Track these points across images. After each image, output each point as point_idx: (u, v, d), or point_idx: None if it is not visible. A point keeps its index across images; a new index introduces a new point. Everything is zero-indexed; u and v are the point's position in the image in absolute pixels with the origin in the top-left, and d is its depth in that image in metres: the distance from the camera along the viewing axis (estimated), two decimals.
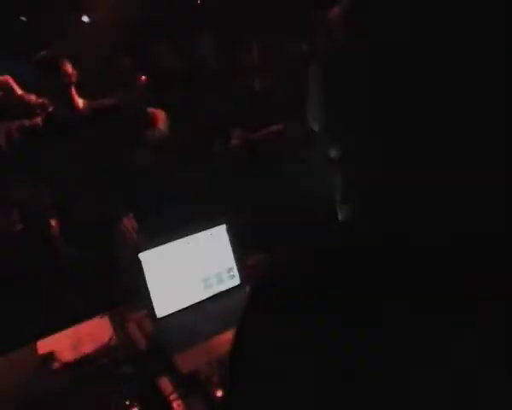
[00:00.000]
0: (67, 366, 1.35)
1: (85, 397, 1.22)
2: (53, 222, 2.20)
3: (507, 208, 0.39)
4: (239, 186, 2.49)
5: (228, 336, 1.27)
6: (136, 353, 1.37)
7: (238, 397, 0.47)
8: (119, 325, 1.51)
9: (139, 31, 3.50)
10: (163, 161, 2.72)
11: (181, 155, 2.84)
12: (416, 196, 0.41)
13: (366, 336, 0.39)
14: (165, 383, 1.21)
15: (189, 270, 1.50)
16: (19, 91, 2.30)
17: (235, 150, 2.41)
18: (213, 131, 2.74)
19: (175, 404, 1.14)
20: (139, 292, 1.45)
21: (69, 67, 2.06)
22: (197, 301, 1.49)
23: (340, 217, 0.49)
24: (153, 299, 1.44)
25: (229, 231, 1.56)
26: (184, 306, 1.47)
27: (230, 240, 1.55)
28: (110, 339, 1.44)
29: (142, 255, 1.44)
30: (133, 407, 1.16)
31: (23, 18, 3.74)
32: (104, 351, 1.39)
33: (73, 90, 2.11)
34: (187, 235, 1.51)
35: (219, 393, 1.12)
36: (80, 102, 2.14)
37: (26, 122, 2.13)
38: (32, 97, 2.28)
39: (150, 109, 2.86)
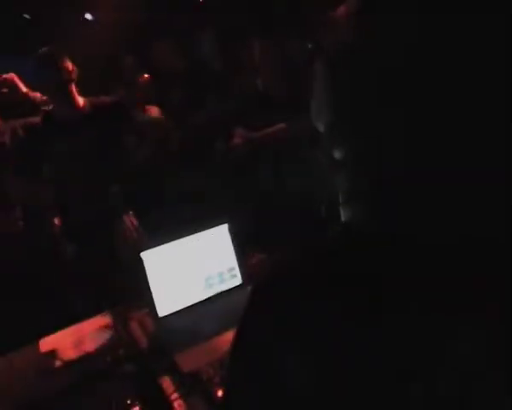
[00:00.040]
0: (69, 364, 1.36)
1: (87, 396, 1.23)
2: (54, 221, 2.20)
3: None
4: (241, 186, 2.49)
5: (229, 336, 1.26)
6: (138, 352, 1.37)
7: (238, 397, 0.47)
8: (121, 324, 1.51)
9: (142, 29, 3.50)
10: (165, 160, 2.72)
11: (183, 154, 2.84)
12: (425, 197, 0.41)
13: (366, 336, 0.39)
14: (167, 383, 1.21)
15: (191, 269, 1.49)
16: (24, 89, 2.30)
17: (237, 149, 2.40)
18: (215, 130, 2.74)
19: (176, 403, 1.14)
20: (141, 291, 1.45)
21: (69, 64, 2.04)
22: (199, 300, 1.49)
23: (343, 218, 0.49)
24: (154, 298, 1.43)
25: (230, 230, 1.56)
26: (186, 305, 1.47)
27: (232, 239, 1.55)
28: (112, 338, 1.44)
29: (144, 254, 1.44)
30: (134, 405, 1.16)
31: (26, 16, 3.74)
32: (106, 350, 1.39)
33: (73, 87, 2.09)
34: (189, 234, 1.51)
35: (220, 393, 1.12)
36: (81, 100, 2.13)
37: (31, 120, 2.12)
38: (37, 95, 2.28)
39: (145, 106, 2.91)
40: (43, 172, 2.11)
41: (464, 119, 0.38)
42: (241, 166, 2.51)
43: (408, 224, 0.42)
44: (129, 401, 1.16)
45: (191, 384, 1.18)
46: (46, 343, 1.46)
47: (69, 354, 1.39)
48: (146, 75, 3.09)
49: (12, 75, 2.28)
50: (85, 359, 1.36)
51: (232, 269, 1.55)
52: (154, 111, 2.96)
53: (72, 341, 1.45)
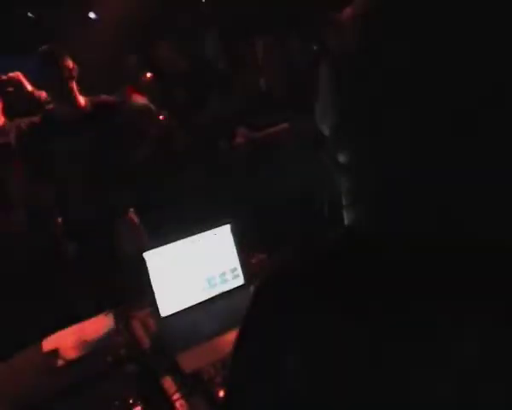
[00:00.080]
0: (71, 364, 1.36)
1: (88, 395, 1.23)
2: (55, 221, 2.20)
3: None
4: (243, 186, 2.49)
5: (231, 337, 1.26)
6: (140, 352, 1.37)
7: (239, 397, 0.47)
8: (122, 324, 1.51)
9: (145, 28, 3.50)
10: (167, 160, 2.72)
11: (185, 154, 2.84)
12: (431, 198, 0.41)
13: (367, 337, 0.39)
14: (169, 383, 1.21)
15: (194, 269, 1.49)
16: (29, 88, 2.30)
17: (240, 149, 2.40)
18: (218, 129, 2.74)
19: (178, 404, 1.14)
20: (143, 291, 1.45)
21: (70, 62, 2.03)
22: (201, 300, 1.49)
23: (346, 221, 0.49)
24: (157, 298, 1.43)
25: (233, 230, 1.55)
26: (188, 305, 1.47)
27: (235, 240, 1.55)
28: (114, 338, 1.44)
29: (146, 254, 1.44)
30: (136, 405, 1.16)
31: (30, 14, 3.75)
32: (108, 349, 1.39)
33: (74, 85, 2.07)
34: (191, 234, 1.51)
35: (222, 393, 1.12)
36: (82, 99, 2.12)
37: (35, 119, 2.12)
38: (43, 94, 2.28)
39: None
40: (43, 171, 2.11)
41: (471, 118, 0.38)
42: (244, 167, 2.51)
43: (413, 225, 0.42)
44: (131, 401, 1.16)
45: (193, 385, 1.18)
46: (47, 343, 1.46)
47: (70, 353, 1.39)
48: (149, 74, 3.09)
49: (17, 74, 2.28)
50: (87, 358, 1.36)
51: (234, 269, 1.55)
52: (139, 99, 2.93)
53: (73, 341, 1.45)
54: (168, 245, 1.47)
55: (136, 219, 2.28)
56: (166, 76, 3.22)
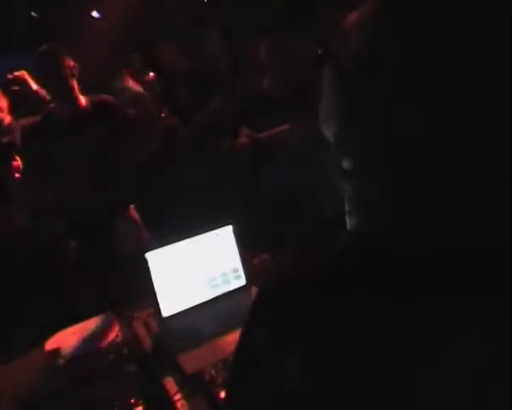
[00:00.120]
0: (72, 363, 1.36)
1: (89, 395, 1.22)
2: (56, 220, 2.20)
3: None
4: (246, 186, 2.49)
5: (233, 337, 1.27)
6: (141, 352, 1.37)
7: (240, 398, 0.47)
8: (124, 324, 1.51)
9: (147, 28, 3.51)
10: (168, 159, 2.72)
11: (187, 154, 2.84)
12: (443, 200, 0.41)
13: (369, 336, 0.39)
14: (170, 383, 1.21)
15: (195, 270, 1.49)
16: (34, 86, 2.31)
17: (242, 149, 2.40)
18: (220, 129, 2.74)
19: (179, 404, 1.14)
20: (145, 291, 1.45)
21: (70, 61, 2.03)
22: (203, 301, 1.49)
23: (348, 226, 0.49)
24: (159, 298, 1.43)
25: (235, 231, 1.55)
26: (190, 306, 1.47)
27: (236, 240, 1.55)
28: (116, 337, 1.44)
29: (148, 255, 1.44)
30: (138, 405, 1.16)
31: (34, 14, 3.76)
32: (109, 349, 1.39)
33: (75, 84, 2.07)
34: (193, 235, 1.51)
35: (223, 394, 1.12)
36: (82, 98, 2.11)
37: (37, 118, 2.12)
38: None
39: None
40: (43, 171, 2.11)
41: (484, 119, 0.38)
42: (246, 167, 2.51)
43: (424, 225, 0.42)
44: (132, 401, 1.16)
45: (194, 385, 1.18)
46: (48, 343, 1.46)
47: (73, 351, 1.39)
48: (151, 74, 3.10)
49: (23, 73, 2.28)
50: (88, 358, 1.36)
51: (236, 270, 1.55)
52: (135, 86, 2.92)
53: (74, 340, 1.45)
54: (170, 246, 1.47)
55: (136, 216, 2.27)
56: (167, 76, 3.23)
